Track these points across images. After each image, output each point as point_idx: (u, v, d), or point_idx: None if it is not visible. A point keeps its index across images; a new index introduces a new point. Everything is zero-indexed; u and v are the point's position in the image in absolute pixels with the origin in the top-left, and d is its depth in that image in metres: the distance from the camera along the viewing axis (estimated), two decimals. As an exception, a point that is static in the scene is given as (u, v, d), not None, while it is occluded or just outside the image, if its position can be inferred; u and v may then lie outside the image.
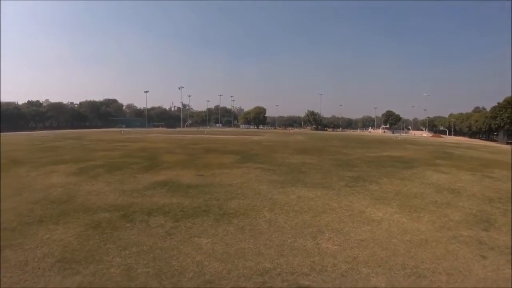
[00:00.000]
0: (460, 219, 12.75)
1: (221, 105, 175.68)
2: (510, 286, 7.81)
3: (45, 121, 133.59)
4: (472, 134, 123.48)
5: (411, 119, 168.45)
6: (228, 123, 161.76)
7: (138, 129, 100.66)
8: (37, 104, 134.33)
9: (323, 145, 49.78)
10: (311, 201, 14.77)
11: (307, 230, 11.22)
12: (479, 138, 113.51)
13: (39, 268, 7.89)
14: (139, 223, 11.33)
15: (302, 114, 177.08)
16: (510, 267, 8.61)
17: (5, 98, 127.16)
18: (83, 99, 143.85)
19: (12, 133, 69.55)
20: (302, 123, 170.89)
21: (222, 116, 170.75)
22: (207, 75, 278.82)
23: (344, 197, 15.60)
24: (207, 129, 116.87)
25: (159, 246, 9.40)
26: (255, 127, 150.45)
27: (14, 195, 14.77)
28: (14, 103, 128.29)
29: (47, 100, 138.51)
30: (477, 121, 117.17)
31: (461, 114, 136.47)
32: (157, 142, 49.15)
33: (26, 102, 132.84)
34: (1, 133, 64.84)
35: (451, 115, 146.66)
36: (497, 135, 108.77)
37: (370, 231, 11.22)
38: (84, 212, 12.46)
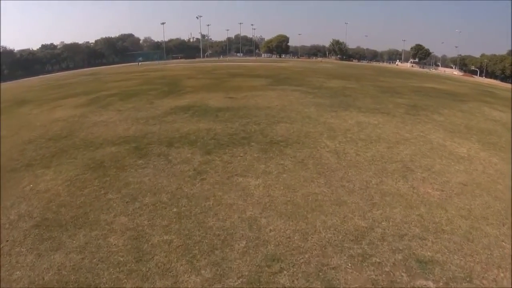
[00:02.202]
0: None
1: (242, 34, 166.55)
2: None
3: (61, 63, 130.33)
4: (504, 78, 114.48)
5: (439, 56, 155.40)
6: (249, 52, 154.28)
7: (156, 62, 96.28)
8: (51, 47, 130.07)
9: (355, 73, 44.78)
10: (376, 129, 11.29)
11: (390, 166, 7.92)
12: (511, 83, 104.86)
13: (6, 241, 5.01)
14: (155, 158, 8.17)
15: (325, 43, 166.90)
16: None
17: (19, 46, 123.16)
18: (98, 38, 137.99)
19: (28, 78, 66.85)
20: (327, 52, 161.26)
21: (242, 46, 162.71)
22: (226, 3, 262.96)
23: (412, 126, 12.14)
24: (228, 58, 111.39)
25: (186, 194, 6.22)
26: (277, 56, 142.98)
27: (10, 136, 11.78)
28: (28, 49, 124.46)
29: (62, 42, 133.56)
30: None
31: (495, 55, 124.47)
32: (178, 70, 45.32)
33: (39, 46, 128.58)
34: (18, 80, 62.30)
35: (482, 55, 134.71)
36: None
37: (466, 171, 8.15)
38: (85, 148, 9.45)
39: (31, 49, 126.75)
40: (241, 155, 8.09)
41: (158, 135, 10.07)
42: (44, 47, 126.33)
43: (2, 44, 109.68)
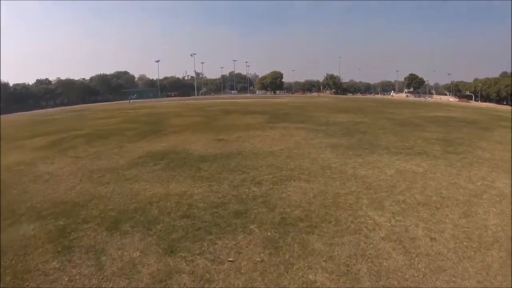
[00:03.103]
0: None
1: (236, 71, 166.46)
2: None
3: (56, 98, 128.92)
4: (499, 100, 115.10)
5: (432, 84, 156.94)
6: (244, 90, 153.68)
7: (149, 99, 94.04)
8: (46, 82, 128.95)
9: (357, 105, 42.05)
10: (428, 180, 8.02)
11: (490, 259, 4.53)
12: (505, 104, 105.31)
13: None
14: (80, 258, 4.65)
15: (318, 78, 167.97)
16: None
17: (15, 80, 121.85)
18: (94, 74, 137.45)
19: (20, 113, 63.98)
20: (321, 87, 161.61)
21: (237, 83, 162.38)
22: (220, 41, 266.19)
23: (466, 170, 9.07)
24: (222, 95, 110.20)
25: None
26: (272, 93, 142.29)
27: None
28: (23, 83, 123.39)
29: (58, 78, 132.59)
30: (507, 85, 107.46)
31: (488, 78, 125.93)
32: (168, 107, 42.36)
33: (35, 81, 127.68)
34: (9, 114, 59.35)
35: (476, 80, 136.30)
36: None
37: None
38: (-5, 222, 5.94)
39: (27, 83, 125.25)
40: (231, 257, 4.42)
41: (105, 204, 6.50)
42: (39, 82, 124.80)
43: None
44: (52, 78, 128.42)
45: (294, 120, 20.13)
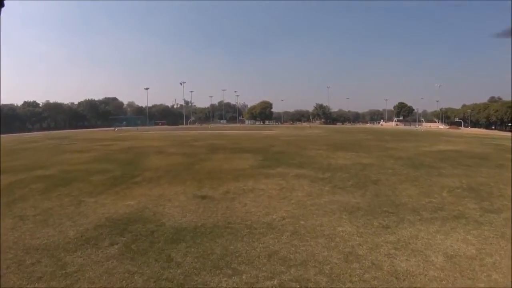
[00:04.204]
0: None
1: (225, 101, 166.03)
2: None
3: (42, 122, 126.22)
4: (488, 125, 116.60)
5: (420, 111, 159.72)
6: (233, 119, 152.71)
7: (135, 127, 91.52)
8: (33, 104, 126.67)
9: (352, 139, 40.29)
10: (489, 270, 5.63)
11: None
12: (495, 129, 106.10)
13: None
14: None
15: (308, 108, 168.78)
16: None
17: (4, 101, 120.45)
18: (83, 99, 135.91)
19: (3, 135, 60.83)
20: (311, 117, 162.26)
21: (226, 112, 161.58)
22: (209, 70, 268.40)
23: None
24: (211, 125, 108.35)
25: None
26: (261, 123, 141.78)
27: None
28: (11, 105, 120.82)
29: (47, 101, 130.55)
30: (497, 110, 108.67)
31: (477, 104, 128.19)
32: (151, 139, 39.74)
33: (22, 103, 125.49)
34: None
35: (464, 106, 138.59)
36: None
37: None
38: None
39: (16, 104, 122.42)
40: None
41: None
42: (26, 104, 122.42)
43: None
44: (41, 101, 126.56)
45: (291, 163, 17.78)
